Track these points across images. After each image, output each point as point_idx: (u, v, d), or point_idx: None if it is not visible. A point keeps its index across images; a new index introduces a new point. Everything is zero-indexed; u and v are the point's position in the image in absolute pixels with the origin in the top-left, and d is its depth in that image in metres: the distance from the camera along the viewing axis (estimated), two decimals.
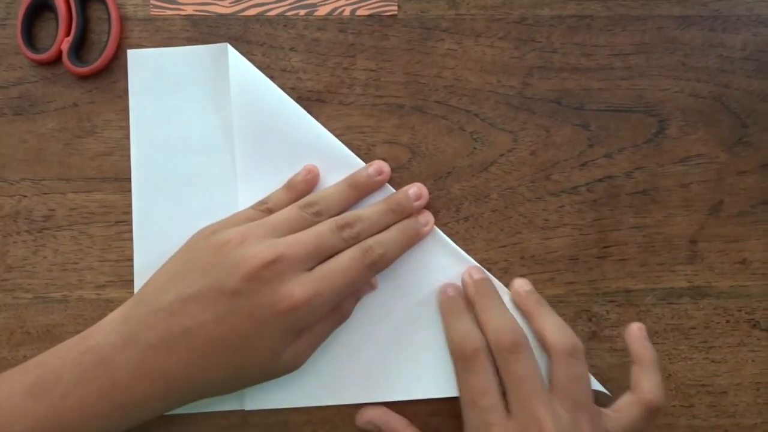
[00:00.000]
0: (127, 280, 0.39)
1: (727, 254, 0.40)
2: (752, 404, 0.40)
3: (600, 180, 0.40)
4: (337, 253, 0.34)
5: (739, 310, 0.40)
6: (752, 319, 0.40)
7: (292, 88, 0.39)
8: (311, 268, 0.33)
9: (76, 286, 0.39)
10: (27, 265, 0.39)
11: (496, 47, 0.40)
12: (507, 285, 0.39)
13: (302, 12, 0.40)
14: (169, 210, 0.39)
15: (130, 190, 0.39)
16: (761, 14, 0.41)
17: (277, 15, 0.40)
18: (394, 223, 0.37)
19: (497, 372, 0.35)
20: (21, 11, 0.39)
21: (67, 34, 0.39)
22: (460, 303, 0.37)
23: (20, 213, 0.39)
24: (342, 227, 0.35)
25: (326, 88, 0.40)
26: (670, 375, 0.39)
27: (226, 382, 0.34)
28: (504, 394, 0.34)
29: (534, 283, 0.39)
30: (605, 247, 0.40)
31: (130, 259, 0.39)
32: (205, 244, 0.34)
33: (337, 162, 0.38)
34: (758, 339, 0.40)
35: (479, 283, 0.38)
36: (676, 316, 0.40)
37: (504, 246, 0.40)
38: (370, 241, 0.35)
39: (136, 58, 0.39)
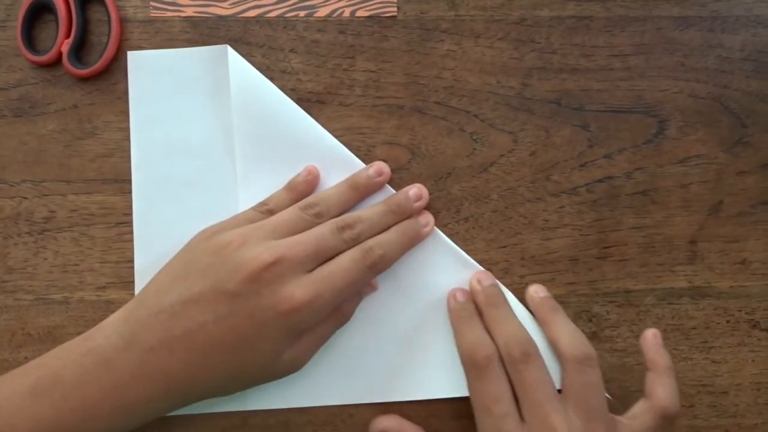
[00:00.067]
0: (127, 282, 0.39)
1: (727, 254, 0.40)
2: (753, 404, 0.40)
3: (600, 180, 0.40)
4: (337, 254, 0.34)
5: (739, 311, 0.40)
6: (752, 320, 0.40)
7: (292, 90, 0.40)
8: (312, 270, 0.33)
9: (76, 288, 0.39)
10: (28, 267, 0.39)
11: (496, 48, 0.40)
12: (507, 285, 0.39)
13: (302, 13, 0.40)
14: (170, 211, 0.39)
15: (130, 192, 0.39)
16: (760, 15, 0.41)
17: (276, 16, 0.40)
18: (394, 224, 0.37)
19: (509, 379, 0.35)
20: (21, 13, 0.39)
21: (67, 35, 0.39)
22: (470, 309, 0.37)
23: (21, 215, 0.39)
24: (342, 228, 0.35)
25: (326, 90, 0.40)
26: None
27: (226, 383, 0.34)
28: (517, 402, 0.34)
29: (534, 283, 0.39)
30: (605, 248, 0.40)
31: (131, 261, 0.39)
32: (206, 246, 0.34)
33: (337, 163, 0.38)
34: (758, 339, 0.40)
35: (488, 290, 0.37)
36: (676, 316, 0.40)
37: (504, 246, 0.40)
38: (371, 242, 0.35)
39: (136, 60, 0.39)
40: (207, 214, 0.37)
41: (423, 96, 0.40)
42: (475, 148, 0.40)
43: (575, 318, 0.39)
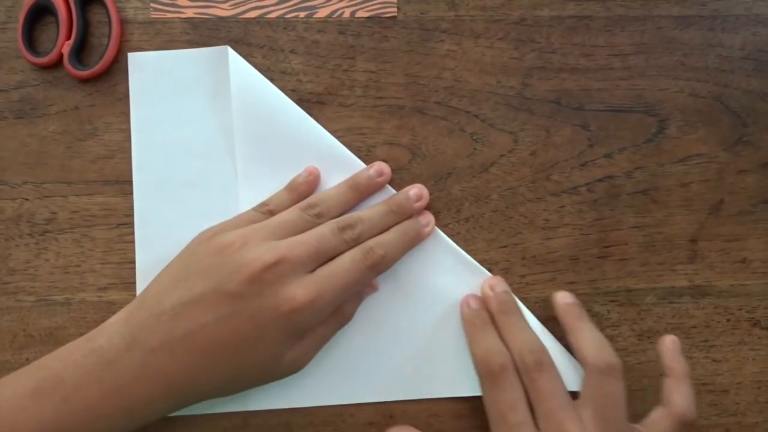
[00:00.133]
0: (129, 283, 0.39)
1: (727, 253, 0.40)
2: (753, 403, 0.40)
3: (600, 180, 0.40)
4: (338, 254, 0.34)
5: (740, 309, 0.40)
6: (753, 318, 0.40)
7: (293, 90, 0.40)
8: (313, 270, 0.34)
9: (78, 289, 0.39)
10: (29, 268, 0.39)
11: (496, 48, 0.40)
12: (508, 285, 0.39)
13: (302, 14, 0.40)
14: (171, 212, 0.39)
15: (131, 193, 0.39)
16: (760, 14, 0.41)
17: (277, 17, 0.40)
18: (395, 225, 0.37)
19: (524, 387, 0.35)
20: (22, 15, 0.39)
21: (68, 37, 0.39)
22: (484, 317, 0.37)
23: (22, 216, 0.39)
24: (343, 229, 0.35)
25: (326, 90, 0.40)
26: None
27: (227, 384, 0.34)
28: (532, 410, 0.34)
29: (535, 283, 0.39)
30: (606, 247, 0.40)
31: (132, 262, 0.39)
32: (207, 247, 0.34)
33: (337, 163, 0.38)
34: (759, 338, 0.40)
35: (500, 296, 0.37)
36: (676, 315, 0.40)
37: (505, 246, 0.40)
38: (371, 242, 0.35)
39: (137, 61, 0.39)
40: (208, 214, 0.37)
41: (423, 96, 0.40)
42: (475, 148, 0.40)
43: None
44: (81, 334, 0.33)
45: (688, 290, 0.40)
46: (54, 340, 0.38)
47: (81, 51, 0.40)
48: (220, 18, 0.40)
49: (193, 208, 0.39)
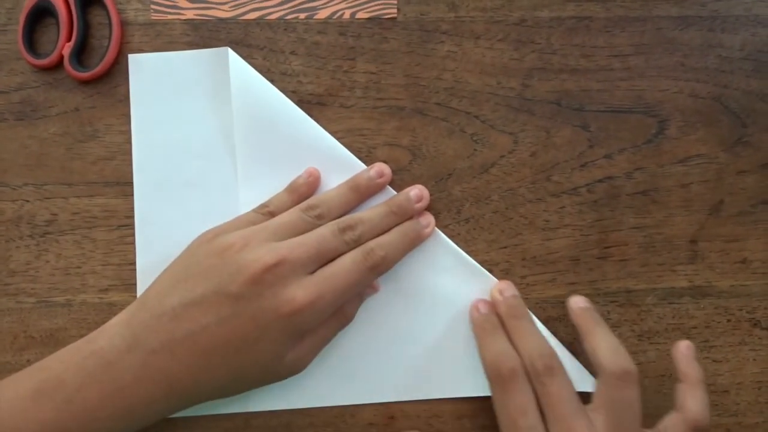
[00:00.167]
0: (129, 284, 0.39)
1: (727, 254, 0.40)
2: (754, 403, 0.40)
3: (600, 181, 0.40)
4: (338, 255, 0.34)
5: (740, 310, 0.40)
6: (753, 318, 0.40)
7: (293, 92, 0.40)
8: (313, 271, 0.34)
9: (79, 290, 0.39)
10: (30, 270, 0.39)
11: (496, 49, 0.40)
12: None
13: (302, 15, 0.40)
14: (171, 213, 0.39)
15: (132, 194, 0.39)
16: (759, 14, 0.41)
17: (277, 19, 0.40)
18: (395, 226, 0.37)
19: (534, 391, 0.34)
20: (22, 17, 0.39)
21: (69, 39, 0.39)
22: (493, 321, 0.37)
23: (23, 218, 0.39)
24: (343, 230, 0.35)
25: (327, 91, 0.40)
26: (671, 375, 0.40)
27: (228, 385, 0.34)
28: (542, 414, 0.34)
29: (535, 284, 0.39)
30: (606, 248, 0.40)
31: (133, 263, 0.39)
32: (208, 248, 0.34)
33: (338, 165, 0.38)
34: (759, 338, 0.40)
35: (509, 301, 0.37)
36: (677, 315, 0.40)
37: (505, 247, 0.40)
38: (372, 243, 0.35)
39: (137, 63, 0.39)
40: (208, 215, 0.37)
41: (423, 97, 0.40)
42: (475, 149, 0.40)
43: None
44: (82, 336, 0.33)
45: (688, 291, 0.40)
46: (55, 341, 0.38)
47: (81, 52, 0.40)
48: (221, 19, 0.40)
49: (193, 208, 0.39)
